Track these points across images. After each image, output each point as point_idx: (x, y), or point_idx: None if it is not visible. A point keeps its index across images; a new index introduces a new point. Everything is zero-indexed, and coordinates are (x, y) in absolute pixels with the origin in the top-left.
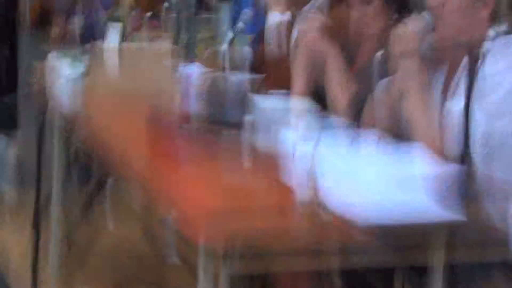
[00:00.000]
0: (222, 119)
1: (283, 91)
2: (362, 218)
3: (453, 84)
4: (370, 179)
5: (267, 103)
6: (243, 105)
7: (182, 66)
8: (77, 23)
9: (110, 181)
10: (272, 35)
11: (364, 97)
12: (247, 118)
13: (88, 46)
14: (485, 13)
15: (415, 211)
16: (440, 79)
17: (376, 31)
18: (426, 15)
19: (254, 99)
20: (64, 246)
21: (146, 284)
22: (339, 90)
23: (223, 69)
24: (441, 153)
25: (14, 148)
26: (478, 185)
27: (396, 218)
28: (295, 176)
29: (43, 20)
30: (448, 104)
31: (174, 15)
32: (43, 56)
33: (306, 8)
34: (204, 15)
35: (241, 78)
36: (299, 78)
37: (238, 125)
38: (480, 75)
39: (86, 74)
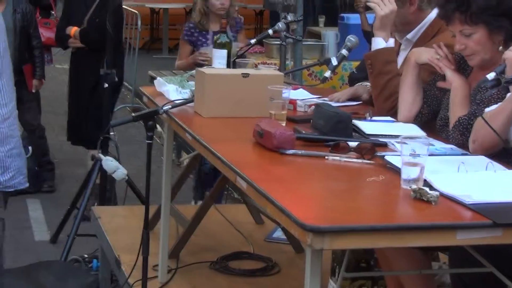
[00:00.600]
0: (326, 143)
1: (387, 117)
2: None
3: None
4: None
5: (372, 128)
6: (347, 129)
7: (287, 92)
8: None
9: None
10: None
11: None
12: (351, 141)
13: (194, 71)
14: None
15: None
16: None
17: (484, 58)
18: None
19: (358, 124)
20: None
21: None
22: (453, 115)
23: (327, 94)
24: None
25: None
26: None
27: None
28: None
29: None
30: None
31: (279, 41)
32: (149, 81)
33: (409, 36)
34: (310, 42)
35: (345, 103)
36: (404, 103)
37: (342, 149)
38: None
39: (192, 98)
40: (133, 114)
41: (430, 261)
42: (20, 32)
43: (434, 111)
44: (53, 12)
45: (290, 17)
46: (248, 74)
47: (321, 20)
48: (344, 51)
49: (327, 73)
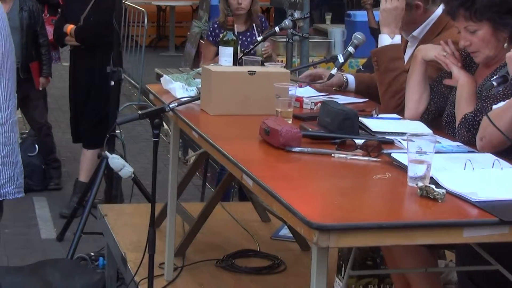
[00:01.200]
0: (333, 140)
1: (393, 114)
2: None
3: None
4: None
5: (378, 125)
6: (353, 127)
7: (293, 89)
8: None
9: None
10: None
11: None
12: (357, 139)
13: (200, 69)
14: None
15: None
16: None
17: (488, 55)
18: None
19: (364, 121)
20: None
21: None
22: (459, 112)
23: (333, 92)
24: None
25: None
26: None
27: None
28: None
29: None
30: None
31: (285, 38)
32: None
33: (415, 33)
34: (316, 39)
35: (351, 101)
36: (411, 101)
37: (348, 146)
38: None
39: (198, 96)
40: (139, 112)
41: (436, 259)
42: (27, 30)
43: (440, 108)
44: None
45: (296, 15)
46: (255, 71)
47: (328, 17)
48: (350, 49)
49: (334, 71)
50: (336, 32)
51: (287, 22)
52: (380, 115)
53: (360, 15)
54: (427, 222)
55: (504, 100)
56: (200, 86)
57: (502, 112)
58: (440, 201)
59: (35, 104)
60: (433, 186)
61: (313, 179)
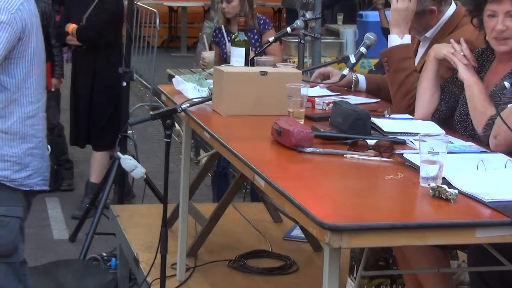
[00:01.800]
0: (345, 140)
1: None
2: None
3: None
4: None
5: (390, 125)
6: (365, 127)
7: (305, 89)
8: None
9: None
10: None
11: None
12: (369, 139)
13: (211, 70)
14: None
15: None
16: None
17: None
18: None
19: (376, 122)
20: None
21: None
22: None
23: (346, 92)
24: None
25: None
26: None
27: None
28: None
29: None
30: None
31: (297, 39)
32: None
33: (428, 34)
34: (328, 39)
35: (363, 101)
36: (422, 99)
37: (360, 147)
38: None
39: (210, 97)
40: (151, 113)
41: (449, 260)
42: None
43: (451, 108)
44: None
45: (308, 15)
46: (266, 72)
47: (340, 17)
48: (362, 49)
49: (345, 71)
50: (348, 32)
51: (298, 22)
52: (392, 115)
53: (372, 15)
54: (440, 223)
55: None
56: (212, 86)
57: None
58: (452, 202)
59: (48, 105)
60: (446, 187)
61: (325, 180)
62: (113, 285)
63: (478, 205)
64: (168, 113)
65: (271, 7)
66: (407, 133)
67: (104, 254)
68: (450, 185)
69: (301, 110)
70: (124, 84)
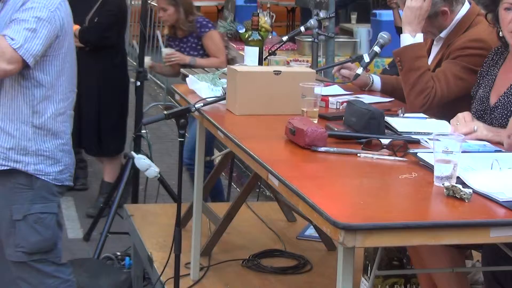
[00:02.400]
0: (359, 140)
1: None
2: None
3: None
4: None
5: (404, 125)
6: (379, 126)
7: (319, 89)
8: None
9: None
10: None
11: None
12: (383, 139)
13: (225, 69)
14: None
15: None
16: None
17: None
18: None
19: (390, 121)
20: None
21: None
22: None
23: (359, 91)
24: None
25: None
26: None
27: None
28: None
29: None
30: None
31: (311, 38)
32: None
33: (442, 34)
34: (342, 38)
35: (377, 100)
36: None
37: (374, 146)
38: None
39: (224, 96)
40: (165, 112)
41: (463, 259)
42: None
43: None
44: None
45: (322, 14)
46: (280, 71)
47: (353, 16)
48: (376, 48)
49: (359, 70)
50: (362, 31)
51: (312, 21)
52: (406, 115)
53: (386, 14)
54: (454, 222)
55: None
56: (225, 86)
57: None
58: (467, 201)
59: None
60: (460, 186)
61: (339, 179)
62: (127, 285)
63: (493, 204)
64: (182, 113)
65: (285, 7)
66: (421, 132)
67: (118, 253)
68: (465, 185)
69: (315, 109)
70: (138, 83)
